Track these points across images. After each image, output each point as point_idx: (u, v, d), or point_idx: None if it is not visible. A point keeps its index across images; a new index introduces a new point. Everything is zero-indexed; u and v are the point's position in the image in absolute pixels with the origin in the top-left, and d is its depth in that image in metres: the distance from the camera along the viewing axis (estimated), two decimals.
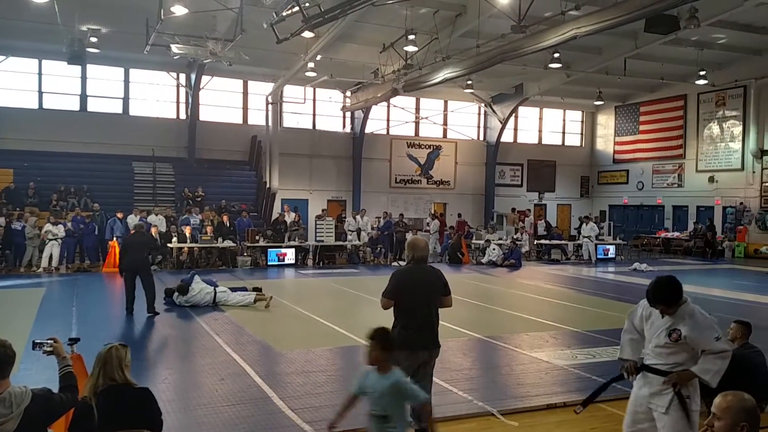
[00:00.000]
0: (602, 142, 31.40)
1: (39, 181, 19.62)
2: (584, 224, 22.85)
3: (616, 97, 28.53)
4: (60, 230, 16.49)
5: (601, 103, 27.25)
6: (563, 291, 15.02)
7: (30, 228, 16.35)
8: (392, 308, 5.16)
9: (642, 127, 29.03)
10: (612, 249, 22.82)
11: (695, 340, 3.97)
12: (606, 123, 31.06)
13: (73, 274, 16.31)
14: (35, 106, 21.83)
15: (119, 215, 17.27)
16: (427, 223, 24.21)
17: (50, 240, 16.24)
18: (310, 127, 26.00)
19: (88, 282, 14.53)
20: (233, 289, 12.12)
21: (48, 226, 16.38)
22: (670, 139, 27.78)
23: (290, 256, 18.99)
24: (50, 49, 19.43)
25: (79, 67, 20.49)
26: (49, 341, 3.82)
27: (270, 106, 23.81)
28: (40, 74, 21.88)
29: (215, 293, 11.66)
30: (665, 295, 4.02)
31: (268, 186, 23.45)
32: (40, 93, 21.91)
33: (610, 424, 5.99)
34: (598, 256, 22.17)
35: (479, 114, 29.21)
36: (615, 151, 30.51)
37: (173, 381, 7.15)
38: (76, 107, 22.38)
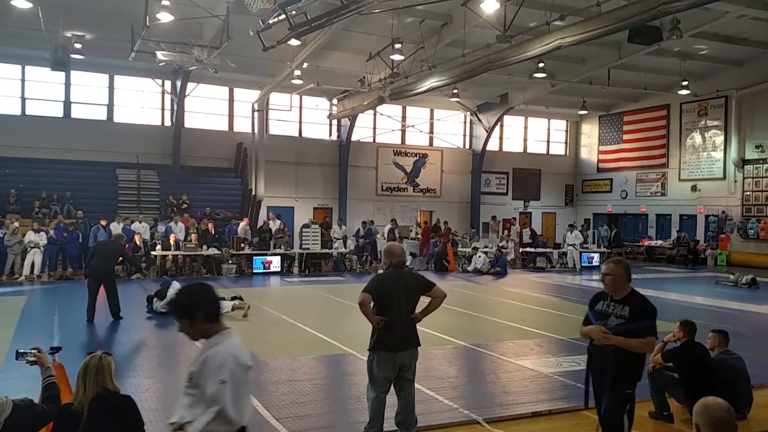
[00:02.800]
0: (586, 151, 31.67)
1: (21, 188, 19.39)
2: (569, 232, 23.01)
3: (600, 106, 28.83)
4: (42, 238, 16.29)
5: (586, 112, 27.52)
6: (548, 299, 15.10)
7: (10, 236, 16.12)
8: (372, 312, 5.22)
9: (626, 137, 29.33)
10: (596, 257, 22.99)
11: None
12: (590, 132, 31.34)
13: (55, 282, 16.11)
14: (18, 112, 21.60)
15: (103, 222, 17.09)
16: (415, 231, 24.26)
17: (32, 248, 16.03)
18: (297, 134, 25.98)
19: (70, 290, 14.32)
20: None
21: (30, 234, 16.18)
22: (654, 148, 28.09)
23: (276, 263, 18.91)
24: (34, 55, 19.27)
25: (62, 74, 20.29)
26: (32, 351, 3.81)
27: (256, 114, 23.77)
28: (23, 80, 21.67)
29: None
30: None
31: (253, 193, 23.36)
32: (23, 99, 21.69)
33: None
34: (583, 264, 22.31)
35: (465, 122, 29.37)
36: (599, 160, 30.78)
37: (156, 390, 7.08)
38: (60, 114, 22.18)
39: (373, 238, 21.57)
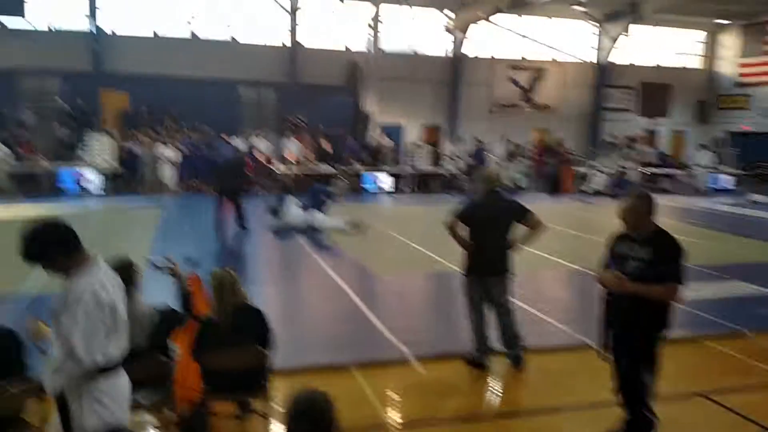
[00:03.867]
0: (724, 65, 28.70)
1: (152, 105, 20.67)
2: (698, 151, 21.37)
3: (743, 14, 25.71)
4: (173, 152, 17.44)
5: (726, 22, 24.70)
6: (671, 223, 14.25)
7: (145, 150, 17.39)
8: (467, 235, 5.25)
9: None
10: (728, 179, 21.28)
11: None
12: (729, 43, 28.26)
13: (185, 193, 17.30)
14: (149, 34, 22.74)
15: (224, 137, 18.00)
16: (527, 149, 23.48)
17: (164, 162, 17.24)
18: (408, 50, 25.49)
19: (199, 202, 15.34)
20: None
21: (161, 148, 17.36)
22: None
23: (386, 181, 19.16)
24: None
25: None
26: (166, 261, 4.13)
27: (369, 30, 23.51)
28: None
29: (310, 218, 11.97)
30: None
31: (364, 111, 23.50)
32: (154, 21, 22.72)
33: (715, 361, 5.81)
34: (714, 186, 20.76)
35: (589, 33, 27.42)
36: (739, 74, 27.86)
37: (281, 298, 7.59)
38: (187, 35, 23.10)
39: (482, 157, 21.17)
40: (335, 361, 5.40)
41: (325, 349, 5.80)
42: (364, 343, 5.99)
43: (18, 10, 20.42)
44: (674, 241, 3.79)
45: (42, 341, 4.03)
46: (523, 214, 5.29)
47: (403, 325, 6.44)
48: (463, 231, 5.29)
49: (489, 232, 5.22)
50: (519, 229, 5.37)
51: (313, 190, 12.74)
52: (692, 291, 7.86)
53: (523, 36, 26.31)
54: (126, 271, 3.57)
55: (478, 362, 5.35)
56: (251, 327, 3.90)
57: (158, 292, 4.48)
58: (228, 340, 3.81)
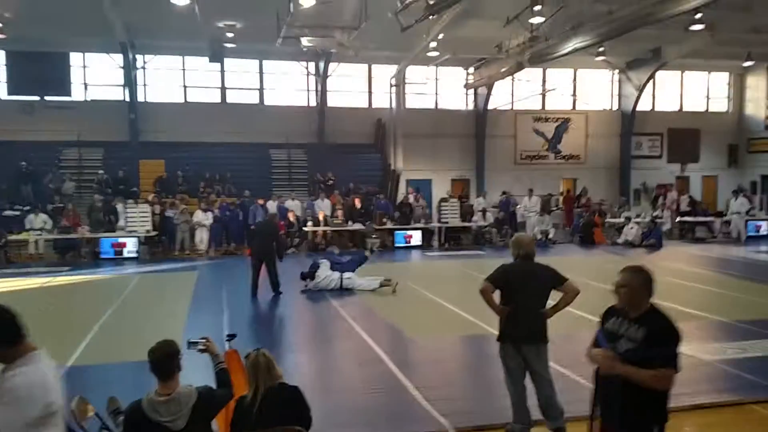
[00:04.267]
0: (752, 107, 28.50)
1: (187, 170, 21.31)
2: (734, 198, 21.04)
3: None
4: (208, 217, 17.86)
5: (751, 63, 24.72)
6: (709, 275, 14.01)
7: (179, 215, 17.83)
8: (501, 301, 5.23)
9: None
10: (765, 225, 20.85)
11: None
12: (757, 85, 28.13)
13: (220, 257, 17.61)
14: (181, 100, 23.64)
15: (260, 202, 18.42)
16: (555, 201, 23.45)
17: (199, 226, 17.64)
18: (433, 106, 25.98)
19: (234, 265, 15.55)
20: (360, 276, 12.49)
21: (198, 214, 17.80)
22: None
23: (416, 237, 19.26)
24: (191, 46, 20.97)
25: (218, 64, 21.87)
26: (202, 340, 4.15)
27: (393, 89, 24.07)
28: (183, 70, 23.63)
29: (341, 279, 12.12)
30: None
31: (392, 168, 23.83)
32: (185, 87, 23.67)
33: (764, 427, 5.61)
34: (749, 234, 20.35)
35: (612, 82, 27.62)
36: (767, 116, 27.61)
37: (315, 366, 7.60)
38: (218, 99, 23.95)
39: (512, 209, 21.17)
40: None
41: (360, 423, 5.77)
42: (401, 415, 5.93)
43: (66, 91, 21.55)
44: (670, 322, 3.50)
45: (86, 421, 4.12)
46: (559, 281, 5.25)
47: (440, 393, 6.37)
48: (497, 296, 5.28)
49: (524, 298, 5.18)
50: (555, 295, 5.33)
51: (348, 256, 12.92)
52: (737, 350, 7.70)
53: (547, 89, 26.64)
54: (172, 360, 3.64)
55: None
56: (288, 406, 3.92)
57: (201, 371, 4.54)
58: (264, 420, 3.84)
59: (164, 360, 3.60)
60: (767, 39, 21.50)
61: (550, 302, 5.26)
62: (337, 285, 12.07)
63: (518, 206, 21.35)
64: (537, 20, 17.38)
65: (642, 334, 3.45)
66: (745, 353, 7.59)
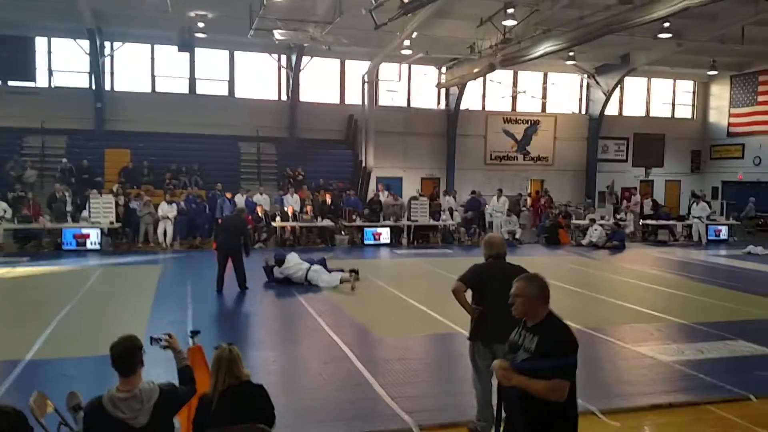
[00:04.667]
0: (716, 114, 29.30)
1: (153, 161, 20.92)
2: (695, 203, 21.58)
3: (732, 65, 26.46)
4: (173, 209, 17.56)
5: (716, 72, 25.38)
6: (670, 277, 14.34)
7: (143, 207, 17.49)
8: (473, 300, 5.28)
9: (761, 98, 26.73)
10: (724, 230, 21.44)
11: None
12: (720, 93, 28.91)
13: (185, 250, 17.32)
14: (148, 89, 23.20)
15: (228, 195, 18.17)
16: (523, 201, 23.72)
17: (163, 218, 17.32)
18: (405, 105, 26.03)
19: (199, 259, 15.35)
20: (329, 270, 12.50)
21: (163, 206, 17.48)
22: None
23: (385, 235, 19.28)
24: (161, 35, 20.60)
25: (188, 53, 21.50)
26: (164, 336, 4.06)
27: (366, 85, 24.03)
28: (152, 59, 23.19)
29: (308, 271, 12.11)
30: None
31: (363, 164, 23.80)
32: (153, 77, 23.24)
33: (718, 428, 5.76)
34: (710, 238, 20.91)
35: (581, 86, 28.07)
36: (730, 124, 28.40)
37: (281, 363, 7.55)
38: (186, 90, 23.57)
39: (481, 209, 21.34)
40: None
41: (326, 421, 5.74)
42: (367, 413, 5.93)
43: (30, 76, 20.98)
44: (564, 330, 3.42)
45: (45, 417, 4.03)
46: None
47: (404, 391, 6.39)
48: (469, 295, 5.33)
49: (496, 298, 5.21)
50: None
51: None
52: (695, 351, 7.90)
53: (517, 91, 26.93)
54: (134, 356, 3.57)
55: None
56: (251, 404, 3.88)
57: (164, 367, 4.47)
58: (226, 418, 3.79)
59: (126, 355, 3.53)
60: (732, 49, 22.09)
61: None
62: (303, 276, 12.06)
63: (486, 206, 21.54)
64: (510, 23, 17.59)
65: (535, 343, 3.37)
66: (703, 355, 7.79)
